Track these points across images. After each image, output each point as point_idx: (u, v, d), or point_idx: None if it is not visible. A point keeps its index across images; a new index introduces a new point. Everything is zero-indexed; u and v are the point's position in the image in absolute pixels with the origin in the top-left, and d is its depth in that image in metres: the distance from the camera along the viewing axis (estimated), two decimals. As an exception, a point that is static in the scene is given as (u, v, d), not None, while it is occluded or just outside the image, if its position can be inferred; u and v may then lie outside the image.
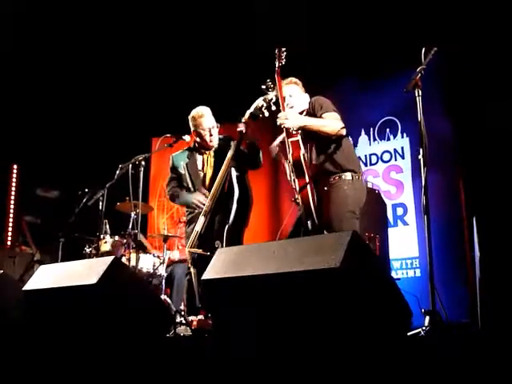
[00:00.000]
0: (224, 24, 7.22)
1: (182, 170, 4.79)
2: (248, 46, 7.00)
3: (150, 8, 7.32)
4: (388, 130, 6.99)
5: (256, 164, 4.63)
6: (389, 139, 6.98)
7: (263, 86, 4.34)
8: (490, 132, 5.48)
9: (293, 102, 4.22)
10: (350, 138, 4.28)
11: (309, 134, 4.05)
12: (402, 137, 6.85)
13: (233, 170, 4.39)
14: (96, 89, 8.35)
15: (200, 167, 4.75)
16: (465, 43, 5.76)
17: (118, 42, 7.73)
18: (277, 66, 4.15)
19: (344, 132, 4.05)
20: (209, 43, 7.50)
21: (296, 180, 3.96)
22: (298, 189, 3.95)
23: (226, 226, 4.30)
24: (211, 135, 4.67)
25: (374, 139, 7.12)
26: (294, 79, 4.36)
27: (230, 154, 4.44)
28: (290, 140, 3.97)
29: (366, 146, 7.20)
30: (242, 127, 4.43)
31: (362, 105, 7.18)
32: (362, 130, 7.22)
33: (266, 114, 4.33)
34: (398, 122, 6.88)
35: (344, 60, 6.90)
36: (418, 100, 3.55)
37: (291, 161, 3.96)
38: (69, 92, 8.38)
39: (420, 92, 3.55)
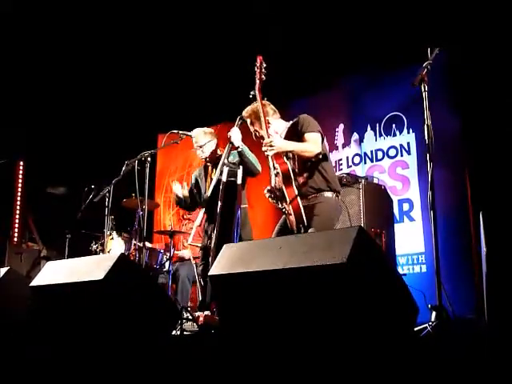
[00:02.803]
0: (230, 22, 7.24)
1: (193, 181, 5.32)
2: (253, 44, 7.00)
3: (157, 6, 7.33)
4: (394, 125, 6.96)
5: (250, 170, 4.71)
6: (395, 135, 6.96)
7: (251, 94, 4.28)
8: (497, 127, 5.47)
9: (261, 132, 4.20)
10: (331, 161, 4.33)
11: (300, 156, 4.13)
12: (408, 132, 6.82)
13: (223, 175, 4.40)
14: (102, 85, 8.37)
15: (205, 178, 5.21)
16: (471, 39, 5.74)
17: (125, 38, 7.74)
18: (257, 83, 4.06)
19: (320, 156, 4.09)
20: (215, 41, 7.51)
21: (284, 188, 3.97)
22: (286, 197, 3.96)
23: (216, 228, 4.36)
24: (202, 152, 5.15)
25: (380, 135, 7.10)
26: (252, 109, 4.29)
27: (222, 158, 4.52)
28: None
29: (371, 142, 7.18)
30: (229, 133, 4.55)
31: (368, 100, 7.18)
32: (368, 126, 7.20)
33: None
34: (404, 117, 6.86)
35: (350, 56, 6.89)
36: (424, 95, 3.55)
37: (280, 171, 3.98)
38: (75, 89, 8.40)
39: (426, 87, 3.55)
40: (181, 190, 5.31)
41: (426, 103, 3.54)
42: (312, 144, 4.04)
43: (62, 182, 9.22)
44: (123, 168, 5.00)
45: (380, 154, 7.10)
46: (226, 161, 4.40)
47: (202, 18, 7.43)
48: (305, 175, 4.09)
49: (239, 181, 4.44)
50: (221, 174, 4.42)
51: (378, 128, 7.12)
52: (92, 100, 8.55)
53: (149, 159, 4.90)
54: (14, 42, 7.68)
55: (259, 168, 4.74)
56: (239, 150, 4.59)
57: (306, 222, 3.92)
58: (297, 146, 4.04)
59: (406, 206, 6.73)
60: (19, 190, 8.98)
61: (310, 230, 3.89)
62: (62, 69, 8.12)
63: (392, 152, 6.98)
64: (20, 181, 9.01)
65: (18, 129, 8.30)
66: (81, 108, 8.62)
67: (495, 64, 5.57)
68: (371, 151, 7.18)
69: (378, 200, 5.50)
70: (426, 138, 3.49)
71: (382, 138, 7.09)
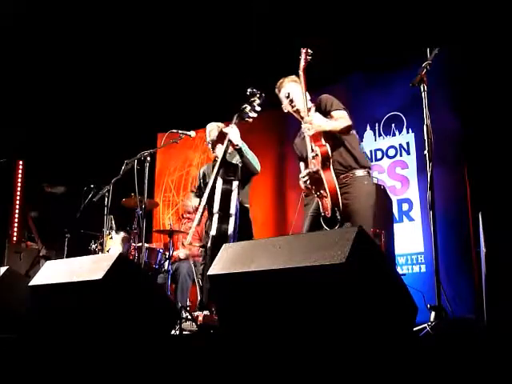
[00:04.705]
0: (229, 21, 7.24)
1: (201, 175, 5.20)
2: (252, 43, 7.01)
3: (157, 6, 7.33)
4: (393, 125, 6.96)
5: (249, 170, 4.65)
6: (394, 135, 6.96)
7: (248, 91, 4.37)
8: (497, 128, 5.47)
9: (296, 102, 4.22)
10: (357, 135, 4.29)
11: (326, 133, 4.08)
12: (408, 132, 6.83)
13: (219, 179, 4.39)
14: (102, 84, 8.36)
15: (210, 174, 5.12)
16: (470, 38, 5.74)
17: (125, 38, 7.74)
18: (302, 64, 4.15)
19: (352, 130, 4.12)
20: (215, 40, 7.51)
21: (322, 171, 3.93)
22: (324, 180, 3.91)
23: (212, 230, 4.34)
24: (212, 147, 5.06)
25: (380, 135, 7.10)
26: (294, 77, 4.35)
27: (219, 157, 4.49)
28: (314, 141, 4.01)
29: (371, 142, 7.18)
30: (226, 130, 4.52)
31: (368, 100, 7.17)
32: (368, 126, 7.21)
33: (254, 114, 4.45)
34: (403, 117, 6.86)
35: (350, 56, 6.89)
36: (424, 95, 3.55)
37: (319, 154, 3.94)
38: (74, 88, 8.40)
39: (425, 87, 3.55)
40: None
41: (425, 103, 3.54)
42: (345, 120, 4.04)
43: (61, 182, 9.21)
44: (123, 167, 5.01)
45: (379, 154, 7.10)
46: (221, 167, 4.41)
47: (202, 16, 7.43)
48: (333, 152, 4.01)
49: (235, 188, 4.43)
50: (218, 172, 4.40)
51: (377, 128, 7.12)
52: (91, 99, 8.55)
53: (148, 158, 4.90)
54: (14, 42, 7.68)
55: (258, 168, 4.67)
56: (238, 148, 4.51)
57: (342, 207, 3.87)
58: (332, 124, 4.01)
59: (405, 206, 6.73)
60: (18, 189, 8.97)
61: (346, 225, 3.86)
62: (61, 68, 8.11)
63: (391, 152, 6.98)
64: (19, 180, 9.00)
65: (17, 129, 8.28)
66: (80, 107, 8.61)
67: (495, 64, 5.56)
68: (370, 151, 7.18)
69: (378, 200, 5.47)
70: (426, 137, 3.49)
71: (381, 137, 7.10)
